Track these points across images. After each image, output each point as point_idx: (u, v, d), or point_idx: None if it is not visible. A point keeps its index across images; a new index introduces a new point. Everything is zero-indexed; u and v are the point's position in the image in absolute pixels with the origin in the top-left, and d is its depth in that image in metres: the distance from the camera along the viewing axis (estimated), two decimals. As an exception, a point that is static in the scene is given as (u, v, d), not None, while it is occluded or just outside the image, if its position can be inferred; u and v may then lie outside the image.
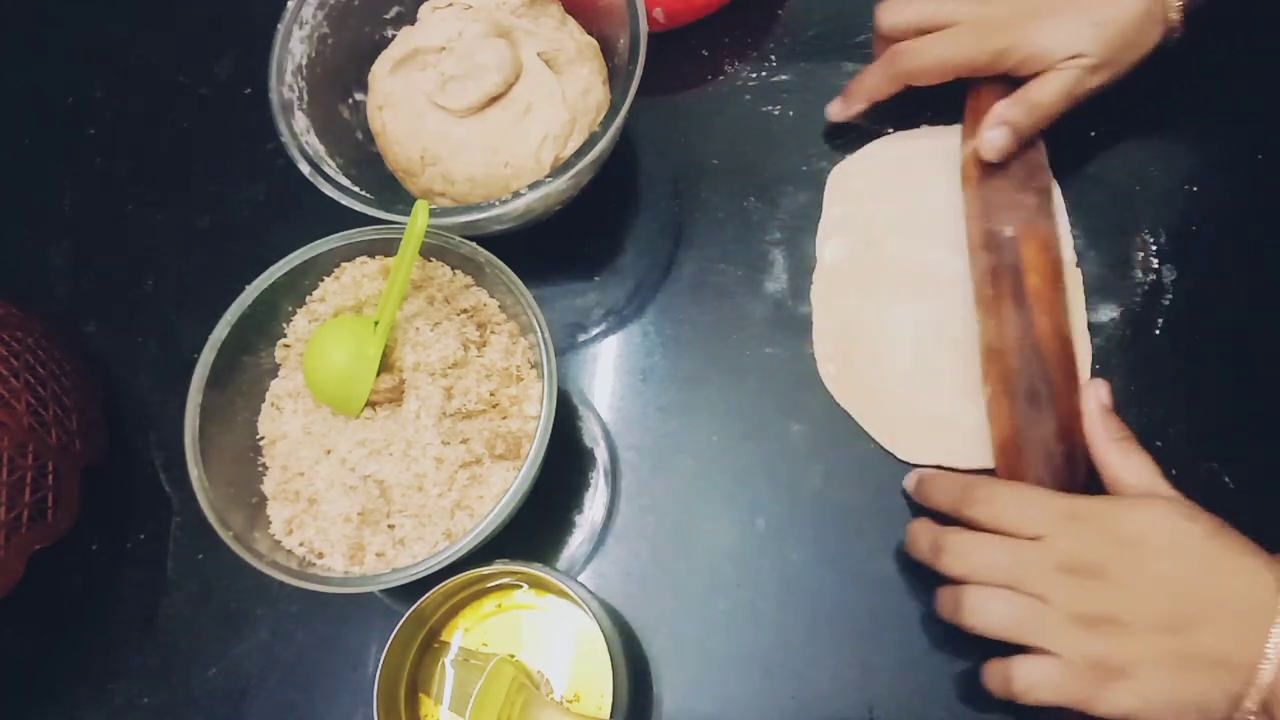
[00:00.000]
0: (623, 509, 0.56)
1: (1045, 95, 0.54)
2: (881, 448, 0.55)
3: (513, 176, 0.57)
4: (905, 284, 0.58)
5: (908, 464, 0.55)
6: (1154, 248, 0.58)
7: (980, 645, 0.51)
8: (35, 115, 0.72)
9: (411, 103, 0.58)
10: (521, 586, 0.51)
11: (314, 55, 0.59)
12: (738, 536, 0.55)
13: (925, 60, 0.56)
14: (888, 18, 0.58)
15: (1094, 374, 0.56)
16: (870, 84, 0.59)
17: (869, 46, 0.64)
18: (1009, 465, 0.51)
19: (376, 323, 0.52)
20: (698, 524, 0.55)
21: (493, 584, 0.51)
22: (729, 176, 0.62)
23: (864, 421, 0.56)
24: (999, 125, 0.54)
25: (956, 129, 0.60)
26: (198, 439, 0.50)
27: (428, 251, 0.55)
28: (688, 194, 0.63)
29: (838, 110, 0.61)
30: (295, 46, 0.58)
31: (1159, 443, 0.53)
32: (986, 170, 0.56)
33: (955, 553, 0.47)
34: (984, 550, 0.47)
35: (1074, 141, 0.59)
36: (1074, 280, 0.56)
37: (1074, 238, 0.58)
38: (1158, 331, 0.56)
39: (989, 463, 0.53)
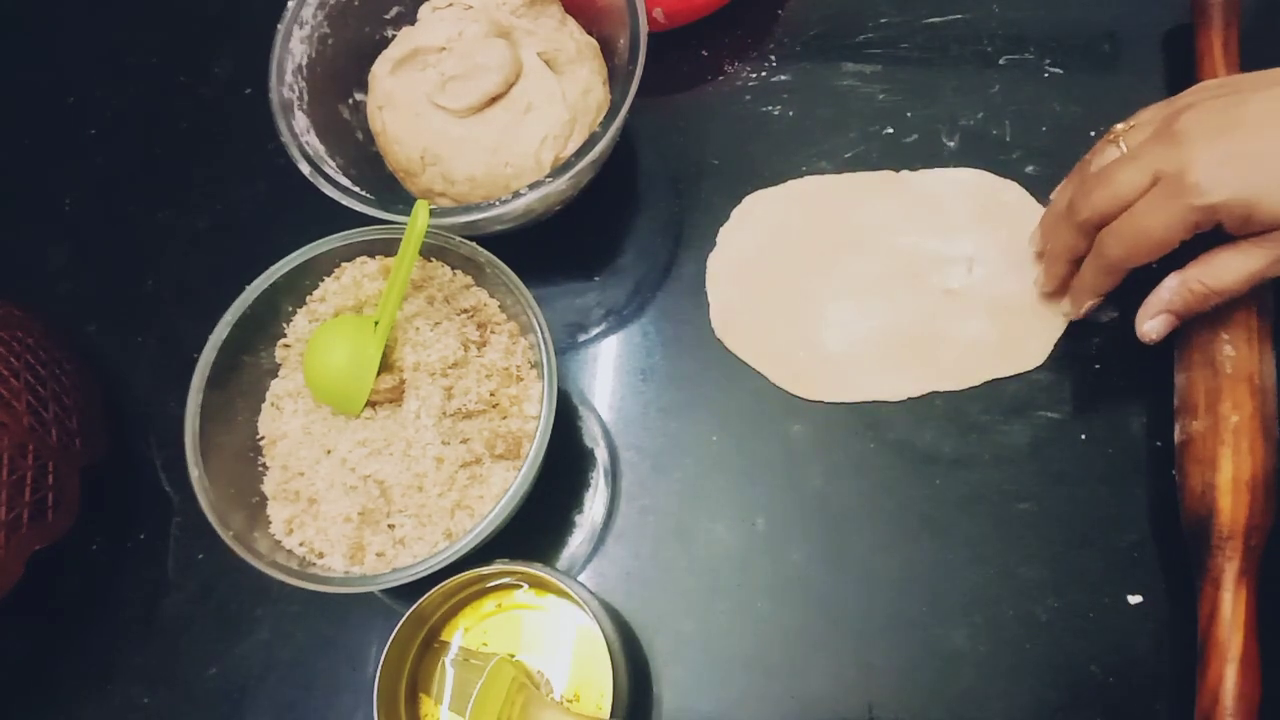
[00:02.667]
0: (623, 509, 0.56)
1: (1229, 277, 0.47)
2: (881, 447, 0.55)
3: (513, 176, 0.57)
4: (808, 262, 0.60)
5: (905, 462, 0.55)
6: (1154, 248, 0.58)
7: (981, 646, 0.52)
8: (35, 115, 0.72)
9: (411, 103, 0.58)
10: (521, 586, 0.51)
11: (314, 55, 0.59)
12: (738, 536, 0.55)
13: (1128, 245, 0.48)
14: (1080, 211, 0.50)
15: (1094, 374, 0.56)
16: (1091, 282, 0.52)
17: (869, 47, 0.64)
18: (1254, 503, 0.48)
19: (376, 323, 0.52)
20: (698, 524, 0.55)
21: (493, 584, 0.51)
22: (729, 176, 0.62)
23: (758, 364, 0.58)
24: (1160, 315, 0.50)
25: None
26: (198, 439, 0.50)
27: (428, 251, 0.55)
28: (688, 194, 0.63)
29: (1068, 312, 0.55)
30: (295, 46, 0.58)
31: (1159, 442, 0.54)
32: None
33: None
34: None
35: (1074, 141, 0.59)
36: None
37: (1074, 238, 0.58)
38: (1158, 332, 0.56)
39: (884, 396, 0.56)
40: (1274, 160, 0.44)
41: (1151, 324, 0.51)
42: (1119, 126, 0.51)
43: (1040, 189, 0.59)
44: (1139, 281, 0.57)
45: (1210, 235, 0.47)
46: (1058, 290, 0.55)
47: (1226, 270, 0.47)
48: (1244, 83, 0.47)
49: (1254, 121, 0.44)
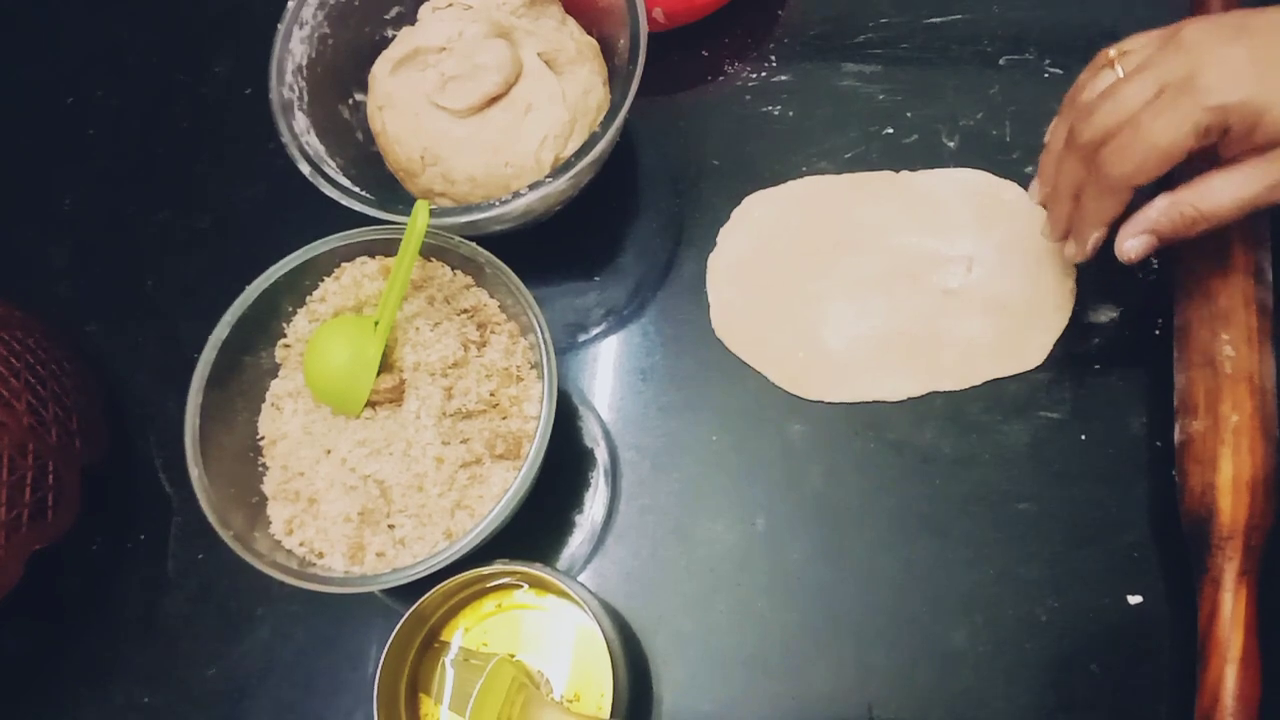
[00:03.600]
0: (623, 509, 0.56)
1: (1223, 200, 0.45)
2: (881, 447, 0.55)
3: (513, 176, 0.57)
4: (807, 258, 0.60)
5: (905, 462, 0.55)
6: (1154, 248, 0.58)
7: (980, 646, 0.51)
8: (35, 115, 0.72)
9: (411, 103, 0.58)
10: (521, 586, 0.51)
11: (314, 55, 0.59)
12: (738, 536, 0.55)
13: (1134, 158, 0.45)
14: (1082, 133, 0.47)
15: (1094, 374, 0.56)
16: (1094, 209, 0.48)
17: (869, 47, 0.64)
18: (1254, 502, 0.48)
19: (377, 323, 0.52)
20: (698, 524, 0.55)
21: (493, 584, 0.51)
22: (729, 176, 0.62)
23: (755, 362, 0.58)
24: (1143, 234, 0.48)
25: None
26: (198, 439, 0.50)
27: (428, 251, 0.55)
28: (688, 194, 0.63)
29: (1073, 253, 0.51)
30: (295, 46, 0.58)
31: (1159, 442, 0.54)
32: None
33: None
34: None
35: (1074, 141, 0.59)
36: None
37: (1074, 238, 0.58)
38: (1158, 331, 0.56)
39: (875, 396, 0.56)
40: None
41: (1132, 243, 0.48)
42: (1110, 51, 0.49)
43: (1040, 189, 0.59)
44: (1139, 282, 0.57)
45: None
46: (1065, 232, 0.52)
47: (1220, 193, 0.45)
48: (1246, 10, 0.46)
49: (1266, 29, 0.43)
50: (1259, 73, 0.42)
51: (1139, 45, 0.48)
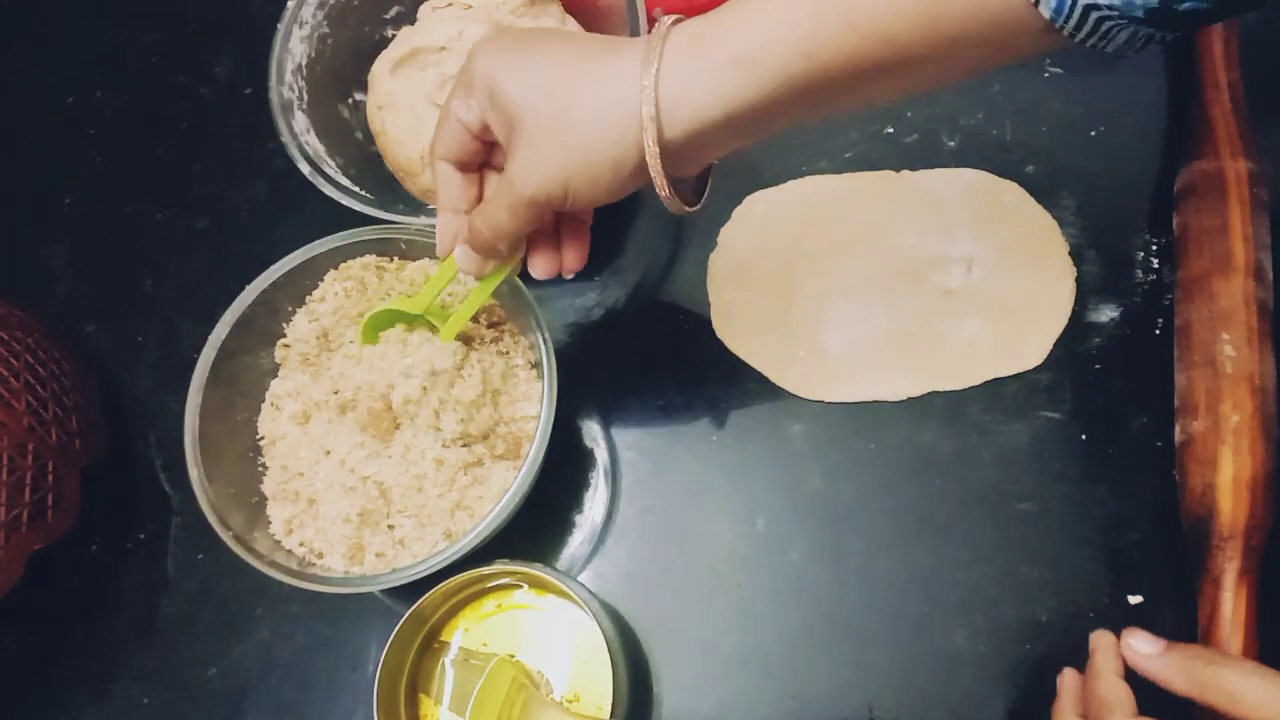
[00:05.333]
0: (623, 509, 0.56)
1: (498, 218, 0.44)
2: (881, 447, 0.55)
3: (513, 176, 0.57)
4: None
5: (905, 462, 0.55)
6: (1154, 248, 0.58)
7: (980, 646, 0.51)
8: (35, 115, 0.72)
9: (411, 103, 0.58)
10: (521, 586, 0.51)
11: (314, 55, 0.59)
12: (738, 536, 0.55)
13: None
14: None
15: (1094, 374, 0.56)
16: None
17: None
18: (1254, 503, 0.48)
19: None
20: (698, 524, 0.55)
21: (493, 584, 0.51)
22: (729, 176, 0.62)
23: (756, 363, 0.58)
24: (463, 248, 0.46)
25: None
26: (198, 439, 0.50)
27: (431, 253, 0.55)
28: (688, 194, 0.63)
29: None
30: (295, 46, 0.58)
31: (1159, 442, 0.54)
32: (1256, 198, 0.53)
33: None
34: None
35: (1074, 141, 0.59)
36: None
37: (1073, 238, 0.58)
38: (1158, 331, 0.56)
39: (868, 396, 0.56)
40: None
41: (460, 256, 0.46)
42: None
43: (1040, 189, 0.59)
44: (1139, 282, 0.57)
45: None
46: None
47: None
48: None
49: None
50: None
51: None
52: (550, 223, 0.47)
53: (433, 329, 0.52)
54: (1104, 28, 0.34)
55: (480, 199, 0.47)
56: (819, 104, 0.39)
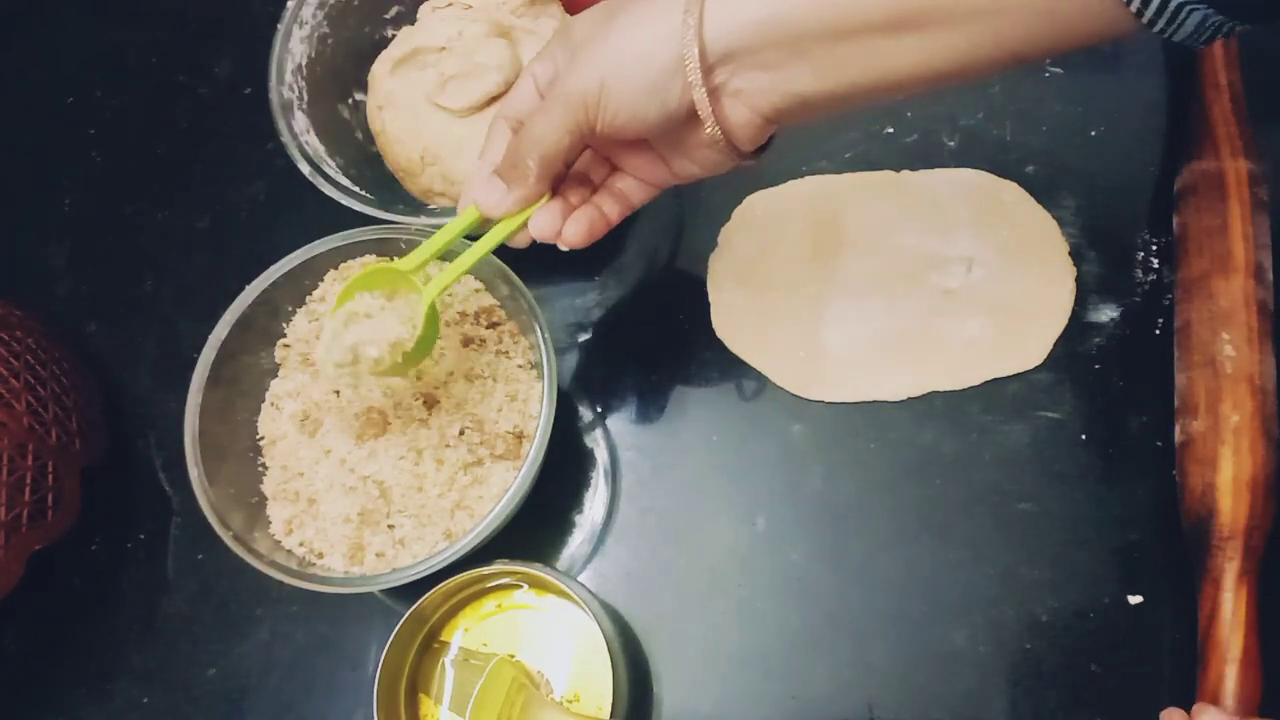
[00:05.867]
0: (623, 509, 0.56)
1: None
2: (881, 447, 0.55)
3: (513, 176, 0.57)
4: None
5: (905, 462, 0.55)
6: (1154, 248, 0.58)
7: (980, 646, 0.51)
8: (35, 115, 0.72)
9: (411, 103, 0.58)
10: (521, 586, 0.51)
11: (314, 55, 0.59)
12: (738, 536, 0.55)
13: None
14: None
15: (1094, 374, 0.56)
16: None
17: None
18: (1254, 503, 0.48)
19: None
20: (698, 524, 0.55)
21: (493, 584, 0.51)
22: (729, 176, 0.62)
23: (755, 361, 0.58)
24: (491, 178, 0.46)
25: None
26: (198, 439, 0.50)
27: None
28: (688, 194, 0.63)
29: None
30: (295, 46, 0.58)
31: (1159, 442, 0.54)
32: (1256, 198, 0.53)
33: None
34: None
35: (1074, 141, 0.59)
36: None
37: (1073, 238, 0.58)
38: (1158, 331, 0.56)
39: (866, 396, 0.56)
40: None
41: (481, 188, 0.46)
42: None
43: (1040, 189, 0.59)
44: (1139, 282, 0.57)
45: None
46: None
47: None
48: None
49: None
50: None
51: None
52: (575, 187, 0.47)
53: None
54: (1175, 6, 0.33)
55: None
56: (863, 42, 0.38)
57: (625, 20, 0.41)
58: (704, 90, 0.40)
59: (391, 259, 0.55)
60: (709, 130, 0.42)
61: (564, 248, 0.47)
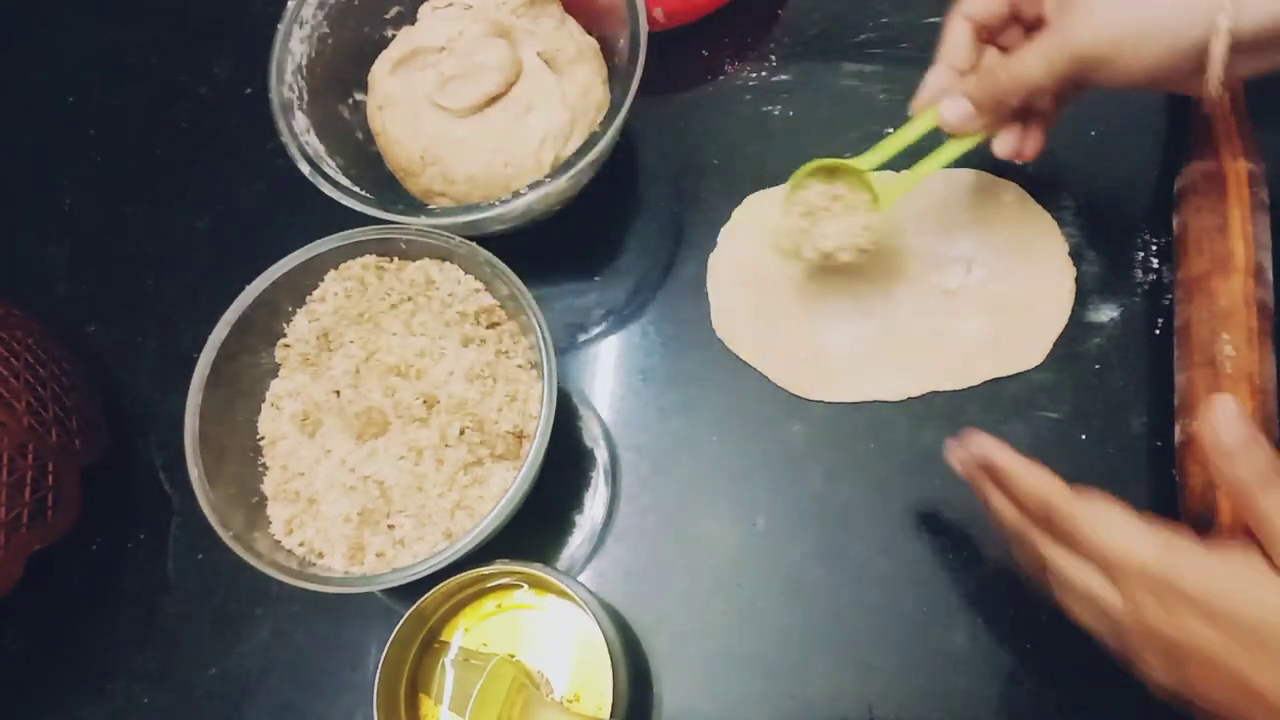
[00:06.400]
0: (623, 509, 0.56)
1: (1028, 69, 0.45)
2: (881, 447, 0.55)
3: (513, 176, 0.57)
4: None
5: (905, 462, 0.55)
6: (1154, 248, 0.58)
7: (980, 646, 0.51)
8: (35, 115, 0.72)
9: (411, 103, 0.58)
10: (521, 586, 0.51)
11: (314, 55, 0.59)
12: (738, 536, 0.55)
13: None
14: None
15: (1094, 374, 0.56)
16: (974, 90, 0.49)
17: (869, 46, 0.64)
18: None
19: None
20: (698, 524, 0.55)
21: (493, 584, 0.51)
22: (729, 176, 0.62)
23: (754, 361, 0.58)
24: (959, 99, 0.49)
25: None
26: (198, 439, 0.50)
27: (431, 253, 0.55)
28: (688, 194, 0.63)
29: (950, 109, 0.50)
30: (295, 46, 0.58)
31: (1159, 442, 0.53)
32: (1256, 198, 0.53)
33: (1058, 582, 0.43)
34: (1085, 584, 0.41)
35: (1074, 141, 0.59)
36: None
37: (1073, 238, 0.58)
38: (1157, 331, 0.56)
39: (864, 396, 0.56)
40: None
41: (949, 104, 0.49)
42: None
43: (1040, 189, 0.59)
44: (1139, 282, 0.57)
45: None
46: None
47: (1025, 62, 0.45)
48: None
49: None
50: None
51: None
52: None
53: (868, 194, 0.53)
54: None
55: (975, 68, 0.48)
56: None
57: None
58: (1222, 73, 0.40)
59: (392, 259, 0.55)
60: (1211, 94, 0.41)
61: (1018, 162, 0.49)
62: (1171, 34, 0.40)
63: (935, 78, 0.50)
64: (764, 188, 0.62)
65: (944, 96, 0.49)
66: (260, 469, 0.54)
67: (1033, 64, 0.44)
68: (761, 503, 0.55)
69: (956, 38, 0.49)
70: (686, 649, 0.53)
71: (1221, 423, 0.38)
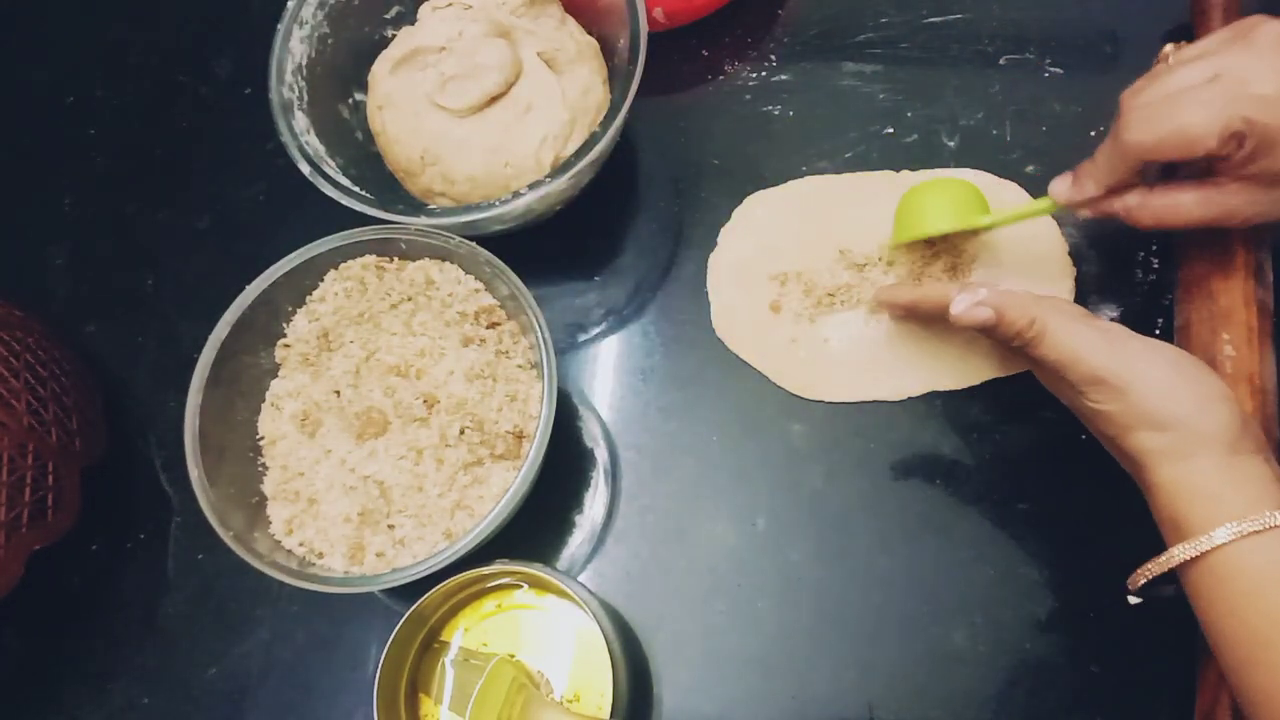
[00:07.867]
0: (623, 509, 0.56)
1: (1188, 214, 0.47)
2: (881, 447, 0.55)
3: (513, 176, 0.57)
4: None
5: (905, 462, 0.55)
6: (1154, 248, 0.58)
7: (980, 646, 0.51)
8: (35, 115, 0.72)
9: (411, 103, 0.58)
10: (521, 586, 0.51)
11: (314, 55, 0.59)
12: (738, 536, 0.55)
13: (1160, 131, 0.45)
14: (1123, 98, 0.48)
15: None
16: (1099, 166, 0.49)
17: (869, 46, 0.64)
18: None
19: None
20: (698, 524, 0.55)
21: (493, 584, 0.51)
22: (729, 176, 0.62)
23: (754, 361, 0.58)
24: (1115, 212, 0.49)
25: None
26: (198, 439, 0.50)
27: (431, 253, 0.55)
28: (688, 194, 0.63)
29: (1059, 189, 0.51)
30: (295, 46, 0.58)
31: (1159, 443, 0.53)
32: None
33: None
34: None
35: (1074, 141, 0.59)
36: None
37: (1073, 238, 0.58)
38: (1157, 331, 0.56)
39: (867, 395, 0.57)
40: None
41: (1127, 200, 0.49)
42: (1167, 47, 0.50)
43: (1040, 189, 0.59)
44: (1139, 282, 0.57)
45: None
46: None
47: (1186, 208, 0.47)
48: None
49: None
50: None
51: (1201, 45, 0.47)
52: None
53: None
54: None
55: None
56: None
57: None
58: None
59: (392, 259, 0.55)
60: None
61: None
62: None
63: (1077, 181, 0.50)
64: (764, 188, 0.62)
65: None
66: (260, 469, 0.54)
67: (1206, 213, 0.47)
68: (761, 503, 0.55)
69: (1110, 167, 0.48)
70: (686, 649, 0.53)
71: (963, 313, 0.48)
